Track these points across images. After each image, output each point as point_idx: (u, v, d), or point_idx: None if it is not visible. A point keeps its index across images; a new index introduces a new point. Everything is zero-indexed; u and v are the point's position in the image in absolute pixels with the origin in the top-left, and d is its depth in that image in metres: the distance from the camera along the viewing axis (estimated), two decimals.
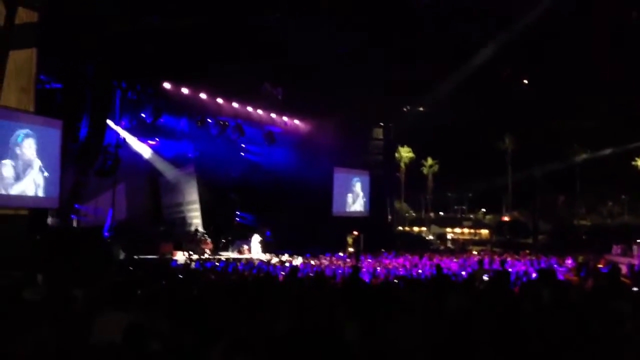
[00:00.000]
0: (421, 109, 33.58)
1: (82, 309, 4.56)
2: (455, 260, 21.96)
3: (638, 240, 26.46)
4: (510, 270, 15.68)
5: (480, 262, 15.35)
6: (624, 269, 12.81)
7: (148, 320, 4.14)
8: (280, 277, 13.48)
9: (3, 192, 15.61)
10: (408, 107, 33.40)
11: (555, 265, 18.70)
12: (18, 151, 15.98)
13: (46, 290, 5.57)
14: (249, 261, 20.86)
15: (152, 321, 4.34)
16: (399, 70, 26.18)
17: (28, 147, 16.24)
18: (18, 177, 16.05)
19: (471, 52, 24.02)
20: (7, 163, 15.69)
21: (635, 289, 9.16)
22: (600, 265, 16.35)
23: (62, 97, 18.52)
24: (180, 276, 13.53)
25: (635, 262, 18.09)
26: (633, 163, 45.78)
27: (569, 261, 20.96)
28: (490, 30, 22.27)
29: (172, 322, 4.61)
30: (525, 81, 28.43)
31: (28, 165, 16.31)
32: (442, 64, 25.37)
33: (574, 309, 5.30)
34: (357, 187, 31.96)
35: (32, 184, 16.52)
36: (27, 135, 16.11)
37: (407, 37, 22.54)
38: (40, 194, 16.78)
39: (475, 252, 29.26)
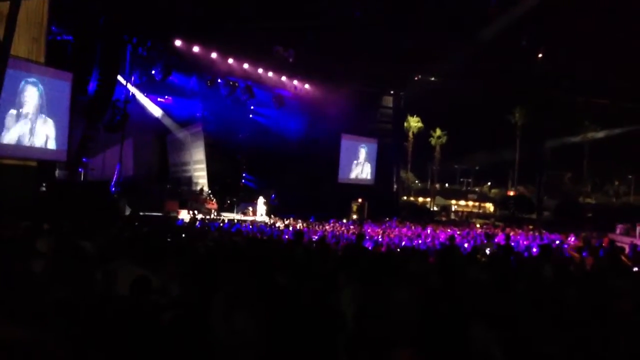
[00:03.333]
0: (432, 78, 33.26)
1: (91, 261, 4.65)
2: (458, 232, 22.03)
3: None
4: (512, 244, 15.72)
5: (488, 235, 15.39)
6: (626, 249, 12.84)
7: (154, 276, 4.21)
8: (284, 241, 13.58)
9: (11, 142, 15.70)
10: (419, 77, 33.06)
11: (557, 242, 18.74)
12: (27, 102, 16.00)
13: (54, 240, 5.65)
14: (253, 223, 21.00)
15: (157, 276, 4.42)
16: (412, 38, 25.84)
17: (37, 99, 16.26)
18: (26, 128, 16.12)
19: (486, 22, 23.65)
20: (16, 113, 15.74)
21: (635, 268, 9.21)
22: (602, 244, 16.37)
23: (73, 50, 18.42)
24: (183, 235, 13.66)
25: (638, 242, 18.11)
26: None
27: (571, 238, 21.00)
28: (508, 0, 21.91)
29: (176, 278, 4.69)
30: (540, 55, 28.09)
31: (37, 117, 16.36)
32: (456, 34, 25.04)
33: (574, 286, 5.35)
34: (364, 154, 31.90)
35: (41, 135, 16.60)
36: (36, 87, 16.11)
37: (423, 4, 22.22)
38: (49, 146, 16.87)
39: (478, 225, 29.35)
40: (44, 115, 16.55)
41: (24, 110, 15.94)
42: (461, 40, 25.20)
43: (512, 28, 23.09)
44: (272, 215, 24.70)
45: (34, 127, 16.34)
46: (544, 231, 24.33)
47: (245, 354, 2.76)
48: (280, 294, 3.96)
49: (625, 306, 4.66)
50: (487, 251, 12.06)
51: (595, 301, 4.80)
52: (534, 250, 14.34)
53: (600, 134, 45.16)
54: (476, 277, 5.48)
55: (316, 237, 15.57)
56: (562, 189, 47.50)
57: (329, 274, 5.13)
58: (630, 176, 50.53)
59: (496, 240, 16.39)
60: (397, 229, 22.49)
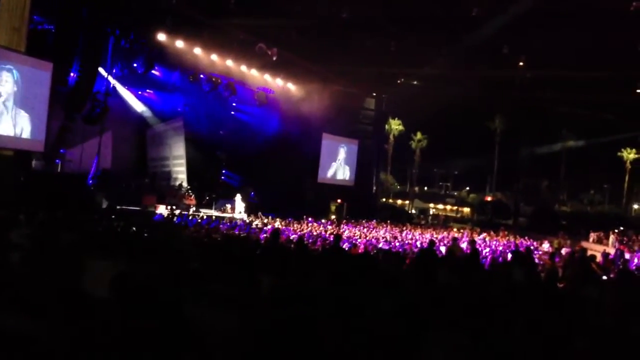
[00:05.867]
0: (415, 82, 33.38)
1: (68, 255, 4.63)
2: (435, 235, 22.25)
3: (616, 230, 26.98)
4: (487, 249, 15.96)
5: (454, 239, 15.59)
6: (598, 257, 13.10)
7: (131, 271, 4.21)
8: (262, 239, 13.60)
9: None
10: (402, 80, 33.16)
11: (531, 248, 19.03)
12: (5, 90, 15.78)
13: (29, 231, 5.61)
14: (231, 221, 20.94)
15: (134, 271, 4.41)
16: (396, 41, 25.91)
17: (15, 87, 16.04)
18: (3, 117, 15.89)
19: (470, 28, 23.77)
20: None
21: (604, 277, 9.41)
22: (574, 252, 16.67)
23: (54, 40, 18.17)
24: (161, 230, 13.60)
25: (611, 250, 18.48)
26: (618, 154, 46.30)
27: (545, 244, 21.35)
28: (492, 7, 22.05)
29: (152, 274, 4.69)
30: (521, 63, 28.35)
31: (14, 106, 16.13)
32: (440, 39, 25.17)
33: (543, 292, 5.47)
34: (344, 155, 31.97)
35: (18, 124, 16.37)
36: (15, 75, 15.90)
37: (409, 9, 22.35)
38: (26, 135, 16.64)
39: (455, 230, 29.64)
40: (22, 104, 16.32)
41: (1, 98, 15.72)
42: (445, 45, 25.32)
43: (495, 35, 23.27)
44: (249, 214, 24.65)
45: (12, 116, 16.11)
46: (518, 237, 24.67)
47: (225, 352, 2.79)
48: (262, 293, 4.00)
49: (591, 313, 4.79)
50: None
51: (564, 308, 4.91)
52: (509, 256, 14.57)
53: (578, 143, 46.09)
54: (448, 281, 5.58)
55: (293, 237, 15.60)
56: (539, 196, 48.18)
57: (307, 275, 5.17)
58: (605, 185, 51.51)
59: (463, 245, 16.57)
60: (375, 231, 22.64)
